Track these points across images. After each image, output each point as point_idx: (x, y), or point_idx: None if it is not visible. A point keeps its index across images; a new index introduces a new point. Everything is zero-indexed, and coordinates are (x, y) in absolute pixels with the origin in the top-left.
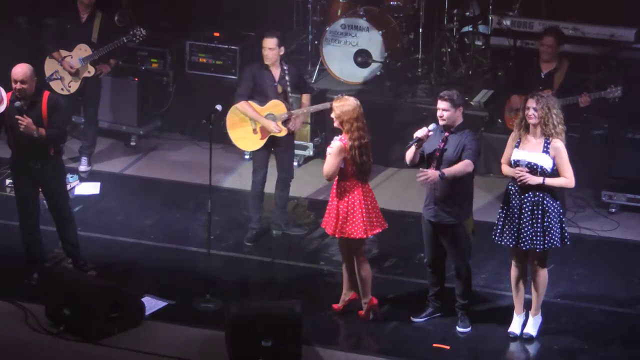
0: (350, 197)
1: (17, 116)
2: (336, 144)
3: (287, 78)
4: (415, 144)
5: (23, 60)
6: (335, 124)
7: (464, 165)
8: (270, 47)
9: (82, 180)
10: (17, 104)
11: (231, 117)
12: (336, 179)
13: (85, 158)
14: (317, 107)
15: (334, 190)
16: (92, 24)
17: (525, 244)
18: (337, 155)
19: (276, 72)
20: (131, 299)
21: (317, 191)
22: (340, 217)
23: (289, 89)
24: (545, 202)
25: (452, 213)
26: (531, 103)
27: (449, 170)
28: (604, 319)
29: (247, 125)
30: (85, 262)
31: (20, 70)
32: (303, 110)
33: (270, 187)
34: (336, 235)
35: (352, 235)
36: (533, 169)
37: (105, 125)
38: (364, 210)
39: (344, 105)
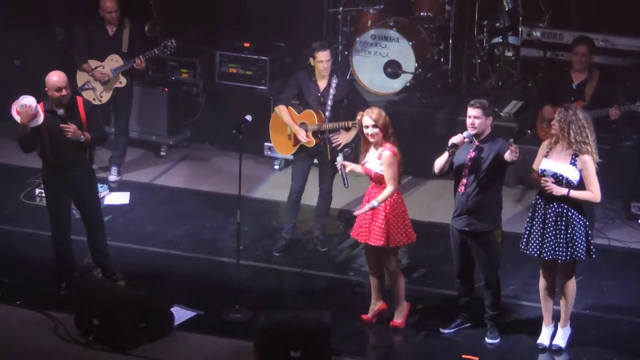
0: (395, 204)
1: (62, 125)
2: (387, 154)
3: (331, 91)
4: (451, 150)
5: (56, 68)
6: (380, 137)
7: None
8: (328, 59)
9: (111, 190)
10: (60, 112)
11: (274, 119)
12: (372, 188)
13: (115, 168)
14: (335, 125)
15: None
16: (122, 35)
17: (548, 254)
18: (395, 164)
19: (322, 84)
20: (160, 309)
21: (347, 202)
22: (390, 225)
23: (330, 102)
24: (569, 213)
25: (485, 220)
26: (555, 115)
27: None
28: (634, 330)
29: (286, 130)
30: (115, 271)
31: (59, 77)
32: (320, 126)
33: (310, 199)
34: (382, 244)
35: (399, 243)
36: (558, 179)
37: (135, 135)
38: (406, 216)
39: (382, 112)
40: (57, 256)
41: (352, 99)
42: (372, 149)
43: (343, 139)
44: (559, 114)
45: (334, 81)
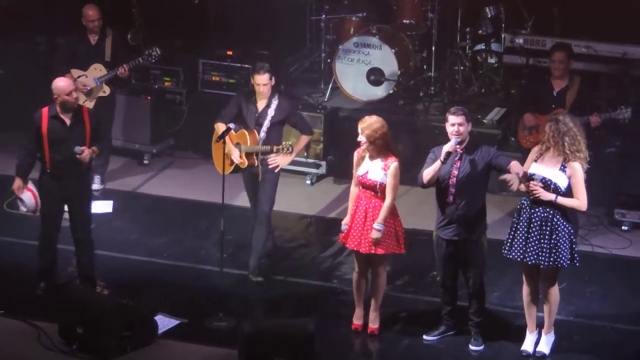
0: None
1: (78, 155)
2: (395, 165)
3: (269, 112)
4: (445, 159)
5: (38, 77)
6: (366, 146)
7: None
8: (264, 84)
9: (95, 198)
10: (77, 149)
11: (215, 137)
12: (370, 198)
13: (98, 176)
14: (262, 148)
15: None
16: (104, 44)
17: (531, 259)
18: (399, 176)
19: (261, 104)
20: (144, 317)
21: (330, 209)
22: (398, 232)
23: (267, 122)
24: (555, 219)
25: (475, 227)
26: (546, 128)
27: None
28: (617, 337)
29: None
30: (97, 280)
31: (67, 82)
32: (254, 148)
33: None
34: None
35: (389, 250)
36: (547, 185)
37: (119, 144)
38: (399, 226)
39: (372, 124)
40: (40, 253)
41: (293, 122)
42: (373, 161)
43: (281, 161)
44: (550, 128)
45: (274, 102)
